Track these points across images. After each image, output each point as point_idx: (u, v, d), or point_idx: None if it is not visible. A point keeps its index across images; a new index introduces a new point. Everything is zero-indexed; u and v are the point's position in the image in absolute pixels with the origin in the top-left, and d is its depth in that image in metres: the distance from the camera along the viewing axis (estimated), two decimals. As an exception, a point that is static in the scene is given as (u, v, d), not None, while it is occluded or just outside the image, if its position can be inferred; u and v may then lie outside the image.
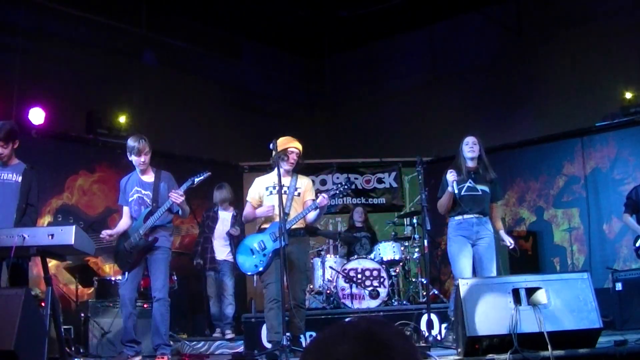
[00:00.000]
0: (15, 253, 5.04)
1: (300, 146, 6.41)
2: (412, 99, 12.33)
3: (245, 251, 6.30)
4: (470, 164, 6.53)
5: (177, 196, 6.17)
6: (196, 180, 6.32)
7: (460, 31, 12.03)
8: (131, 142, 6.40)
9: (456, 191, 6.37)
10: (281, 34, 12.34)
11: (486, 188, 6.50)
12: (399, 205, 11.37)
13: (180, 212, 6.50)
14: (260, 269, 6.20)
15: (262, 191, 6.40)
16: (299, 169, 6.47)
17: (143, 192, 6.44)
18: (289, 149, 6.30)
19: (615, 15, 10.26)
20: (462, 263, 6.33)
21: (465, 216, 6.41)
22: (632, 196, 8.09)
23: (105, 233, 6.56)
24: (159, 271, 6.35)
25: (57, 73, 9.67)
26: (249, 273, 6.71)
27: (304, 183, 6.46)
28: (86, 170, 9.84)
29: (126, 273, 6.42)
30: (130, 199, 6.50)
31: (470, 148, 6.49)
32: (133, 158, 6.42)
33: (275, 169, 6.27)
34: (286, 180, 6.29)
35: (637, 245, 8.07)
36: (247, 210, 6.50)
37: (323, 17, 11.82)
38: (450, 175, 6.39)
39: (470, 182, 6.45)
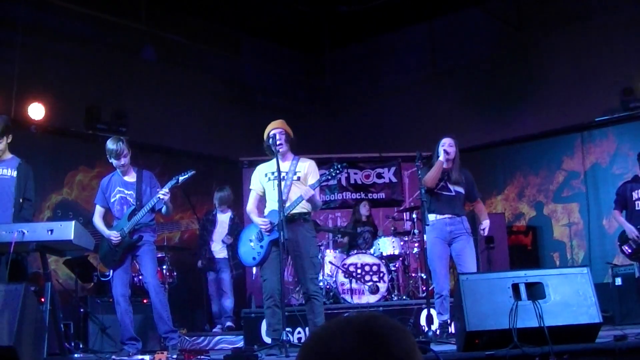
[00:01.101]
0: (15, 248, 5.04)
1: (283, 125, 6.15)
2: (412, 94, 12.32)
3: (244, 243, 6.18)
4: (445, 165, 6.66)
5: (165, 192, 6.21)
6: (180, 178, 6.32)
7: (460, 26, 12.01)
8: (109, 145, 6.41)
9: (442, 159, 6.55)
10: (281, 29, 12.31)
11: (460, 189, 6.67)
12: (398, 200, 11.36)
13: (164, 211, 6.51)
14: (258, 260, 6.03)
15: (262, 178, 6.21)
16: (296, 151, 6.20)
17: (126, 192, 6.48)
18: (270, 134, 6.10)
19: (614, 10, 10.24)
20: (438, 268, 6.52)
21: (438, 216, 6.55)
22: (621, 192, 8.13)
23: (114, 238, 6.46)
24: (147, 261, 6.42)
25: (57, 68, 9.66)
26: (248, 265, 6.67)
27: (305, 166, 6.17)
28: (86, 166, 9.84)
29: (111, 271, 6.47)
30: (112, 200, 6.53)
31: (446, 150, 6.61)
32: (112, 161, 6.46)
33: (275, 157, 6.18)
34: (285, 166, 6.07)
35: (621, 241, 8.08)
36: (251, 204, 6.24)
37: (323, 12, 11.80)
38: (442, 142, 6.63)
39: (444, 182, 6.59)
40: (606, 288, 8.45)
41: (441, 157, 6.57)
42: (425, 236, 6.62)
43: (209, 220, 9.38)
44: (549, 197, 10.76)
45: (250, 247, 6.10)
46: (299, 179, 6.07)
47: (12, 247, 4.99)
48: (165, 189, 6.25)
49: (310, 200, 5.96)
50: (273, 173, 6.11)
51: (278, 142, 6.01)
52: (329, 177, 6.14)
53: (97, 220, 6.57)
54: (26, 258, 6.07)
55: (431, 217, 6.53)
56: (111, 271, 6.50)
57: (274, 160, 6.12)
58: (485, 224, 6.76)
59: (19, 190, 6.08)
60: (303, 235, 5.95)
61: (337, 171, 6.09)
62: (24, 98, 8.96)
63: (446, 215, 6.54)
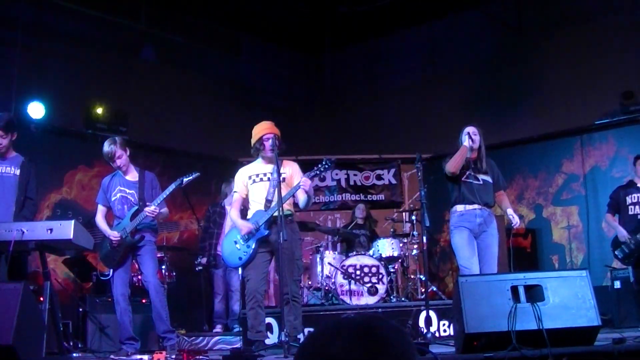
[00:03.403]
0: (14, 247, 5.04)
1: (276, 130, 6.13)
2: (412, 96, 12.32)
3: (229, 243, 6.11)
4: (470, 155, 6.42)
5: (150, 211, 6.25)
6: (185, 180, 6.35)
7: (460, 28, 12.01)
8: (103, 148, 6.47)
9: (467, 144, 6.32)
10: (281, 30, 12.32)
11: (488, 178, 6.47)
12: (398, 201, 11.36)
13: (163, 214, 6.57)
14: (244, 260, 5.97)
15: (245, 180, 6.19)
16: (282, 153, 6.13)
17: (127, 191, 6.51)
18: (264, 137, 6.07)
19: (614, 12, 10.25)
20: (469, 252, 6.24)
21: (468, 207, 6.33)
22: (614, 196, 8.15)
23: (114, 238, 6.46)
24: (147, 260, 6.44)
25: (57, 68, 9.66)
26: (233, 266, 6.64)
27: (289, 168, 6.19)
28: (85, 165, 9.84)
29: (111, 271, 6.49)
30: (113, 198, 6.56)
31: (470, 138, 6.38)
32: (110, 163, 6.49)
33: (259, 157, 6.19)
34: (269, 168, 6.07)
35: (614, 246, 8.09)
36: (235, 208, 6.23)
37: (323, 13, 11.81)
38: (466, 130, 6.39)
39: (470, 171, 6.37)
40: (605, 291, 8.45)
41: (466, 142, 6.34)
42: (451, 228, 6.41)
43: (216, 212, 9.15)
44: (548, 199, 10.75)
45: (236, 248, 6.04)
46: (284, 180, 6.04)
47: (12, 246, 4.98)
48: (155, 207, 6.27)
49: (307, 192, 5.93)
50: (258, 175, 6.15)
51: (272, 147, 5.99)
52: (318, 172, 6.09)
53: (100, 220, 6.61)
54: (26, 257, 6.08)
55: (459, 207, 6.35)
56: (111, 270, 6.51)
57: (257, 161, 6.24)
58: (514, 216, 6.47)
59: (21, 189, 6.10)
60: (289, 236, 5.75)
61: (326, 166, 6.05)
62: (23, 97, 8.96)
63: (476, 206, 6.31)
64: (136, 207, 6.39)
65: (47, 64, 9.58)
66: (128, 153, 6.54)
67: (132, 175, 6.57)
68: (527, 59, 11.11)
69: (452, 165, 6.30)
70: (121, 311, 6.38)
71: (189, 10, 11.33)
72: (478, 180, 6.39)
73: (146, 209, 6.27)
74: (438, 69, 12.34)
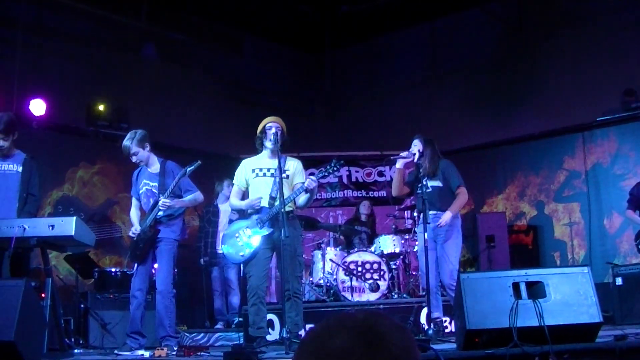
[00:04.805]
0: (16, 244, 5.04)
1: (280, 121, 6.10)
2: (413, 94, 12.31)
3: (231, 239, 6.07)
4: (420, 163, 6.66)
5: (162, 204, 6.21)
6: (188, 170, 6.28)
7: (462, 27, 11.99)
8: (123, 141, 6.46)
9: (399, 166, 6.76)
10: (282, 28, 12.31)
11: (437, 183, 6.67)
12: (399, 198, 11.34)
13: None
14: (247, 257, 5.95)
15: (248, 174, 6.14)
16: (285, 149, 6.10)
17: (151, 183, 6.49)
18: (266, 126, 6.05)
19: (616, 11, 10.23)
20: (421, 264, 6.58)
21: (422, 215, 6.52)
22: (635, 192, 8.14)
23: (131, 233, 6.48)
24: (161, 263, 6.40)
25: (58, 65, 9.66)
26: (234, 262, 6.61)
27: (293, 165, 6.12)
28: (86, 162, 9.85)
29: (135, 265, 6.47)
30: (140, 192, 6.56)
31: (409, 150, 6.71)
32: (128, 157, 6.49)
33: (263, 151, 6.15)
34: (273, 163, 6.00)
35: (638, 240, 8.11)
36: (234, 197, 6.21)
37: (324, 12, 11.81)
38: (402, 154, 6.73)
39: (424, 181, 6.48)
40: (607, 288, 8.45)
41: (397, 165, 6.80)
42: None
43: (210, 212, 9.31)
44: (550, 196, 10.75)
45: (238, 245, 6.01)
46: (287, 177, 6.01)
47: (13, 242, 4.99)
48: (167, 200, 6.22)
49: (312, 191, 5.89)
50: (261, 169, 6.10)
51: (274, 136, 5.96)
52: (326, 174, 6.04)
53: (132, 213, 6.64)
54: (28, 253, 6.08)
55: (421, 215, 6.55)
56: (136, 265, 6.49)
57: (261, 155, 6.18)
58: (445, 215, 6.54)
59: (23, 186, 6.10)
60: (291, 233, 5.69)
61: (335, 168, 5.98)
62: (25, 94, 8.96)
63: (430, 212, 6.43)
64: (156, 200, 6.35)
65: (48, 61, 9.59)
66: (148, 148, 6.50)
67: (155, 168, 6.52)
68: (528, 57, 11.10)
69: (393, 191, 6.81)
70: (137, 305, 6.33)
71: (191, 9, 11.32)
72: (428, 188, 6.56)
73: (160, 203, 6.23)
74: (439, 67, 12.32)
